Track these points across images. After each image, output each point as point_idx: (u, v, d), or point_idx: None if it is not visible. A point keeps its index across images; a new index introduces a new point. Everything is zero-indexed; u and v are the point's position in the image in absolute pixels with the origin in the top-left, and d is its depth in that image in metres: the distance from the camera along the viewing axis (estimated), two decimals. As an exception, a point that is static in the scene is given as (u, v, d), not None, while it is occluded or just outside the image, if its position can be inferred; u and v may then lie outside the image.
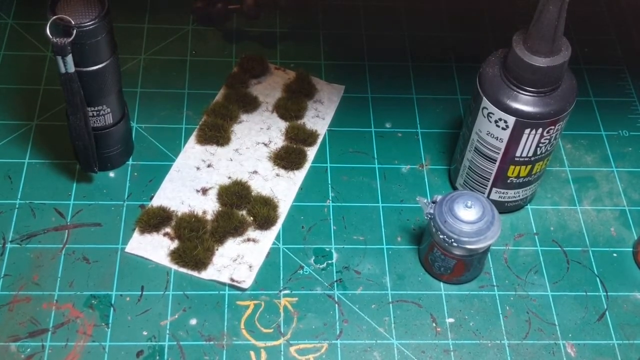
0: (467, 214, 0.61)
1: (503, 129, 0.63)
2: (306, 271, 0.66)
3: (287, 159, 0.71)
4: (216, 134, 0.72)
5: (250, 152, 0.72)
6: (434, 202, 0.63)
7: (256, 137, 0.73)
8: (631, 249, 0.69)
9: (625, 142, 0.77)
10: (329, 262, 0.66)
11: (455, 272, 0.64)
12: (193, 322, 0.62)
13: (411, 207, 0.70)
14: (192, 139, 0.73)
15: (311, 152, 0.73)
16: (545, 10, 0.58)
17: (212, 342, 0.61)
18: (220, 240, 0.66)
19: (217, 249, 0.66)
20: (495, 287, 0.66)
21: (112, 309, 0.62)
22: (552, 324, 0.64)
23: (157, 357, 0.60)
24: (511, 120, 0.62)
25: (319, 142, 0.74)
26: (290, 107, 0.75)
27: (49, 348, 0.60)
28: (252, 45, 0.81)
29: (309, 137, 0.73)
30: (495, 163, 0.65)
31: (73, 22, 0.58)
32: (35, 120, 0.73)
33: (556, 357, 0.62)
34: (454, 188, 0.71)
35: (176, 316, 0.62)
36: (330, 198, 0.70)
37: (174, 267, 0.65)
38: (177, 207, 0.68)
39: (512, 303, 0.65)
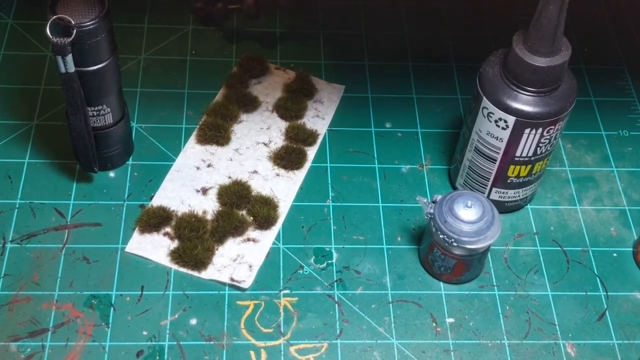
0: (467, 214, 0.61)
1: (503, 128, 0.63)
2: (306, 271, 0.66)
3: (287, 158, 0.71)
4: (216, 133, 0.72)
5: (250, 152, 0.72)
6: (434, 202, 0.63)
7: (256, 137, 0.73)
8: (631, 249, 0.69)
9: (625, 141, 0.77)
10: (329, 262, 0.66)
11: (455, 272, 0.64)
12: (193, 321, 0.62)
13: (411, 207, 0.70)
14: (192, 139, 0.73)
15: (311, 152, 0.73)
16: (545, 10, 0.58)
17: (212, 342, 0.61)
18: (220, 240, 0.66)
19: (217, 249, 0.66)
20: (496, 287, 0.66)
21: (112, 308, 0.62)
22: (552, 324, 0.64)
23: (157, 357, 0.60)
24: (511, 120, 0.62)
25: (319, 142, 0.74)
26: (290, 107, 0.75)
27: (49, 348, 0.60)
28: (252, 45, 0.81)
29: (309, 137, 0.73)
30: (495, 163, 0.65)
31: (73, 22, 0.58)
32: (35, 120, 0.73)
33: (556, 357, 0.62)
34: (454, 188, 0.71)
35: (176, 316, 0.62)
36: (330, 198, 0.70)
37: (174, 267, 0.65)
38: (177, 206, 0.68)
39: (512, 303, 0.65)
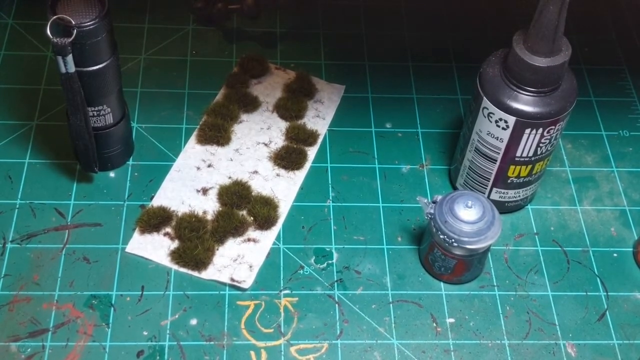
0: (468, 214, 0.61)
1: (503, 129, 0.63)
2: (306, 271, 0.66)
3: (287, 158, 0.71)
4: (216, 134, 0.72)
5: (250, 152, 0.72)
6: (434, 202, 0.63)
7: (256, 137, 0.73)
8: (631, 249, 0.69)
9: (625, 142, 0.77)
10: (329, 262, 0.66)
11: (456, 272, 0.64)
12: (193, 322, 0.62)
13: (411, 207, 0.70)
14: (193, 139, 0.73)
15: (311, 152, 0.73)
16: (545, 10, 0.58)
17: (212, 342, 0.61)
18: (221, 240, 0.66)
19: (217, 249, 0.66)
20: (496, 287, 0.66)
21: (112, 309, 0.62)
22: (553, 324, 0.64)
23: (158, 357, 0.60)
24: (511, 120, 0.62)
25: (319, 142, 0.74)
26: (291, 107, 0.75)
27: (49, 348, 0.60)
28: (252, 45, 0.81)
29: (309, 137, 0.73)
30: (495, 163, 0.65)
31: (73, 22, 0.58)
32: (35, 120, 0.73)
33: (556, 357, 0.62)
34: (454, 188, 0.71)
35: (176, 316, 0.62)
36: (331, 198, 0.70)
37: (174, 267, 0.65)
38: (178, 207, 0.68)
39: (512, 303, 0.65)
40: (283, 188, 0.70)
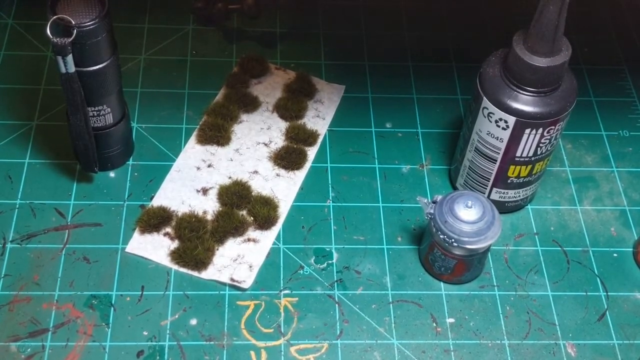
0: (468, 214, 0.61)
1: (503, 129, 0.63)
2: (306, 271, 0.66)
3: (287, 159, 0.71)
4: (216, 134, 0.72)
5: (250, 152, 0.72)
6: (434, 202, 0.63)
7: (256, 137, 0.73)
8: (631, 249, 0.69)
9: (625, 142, 0.77)
10: (329, 262, 0.66)
11: (456, 272, 0.64)
12: (193, 322, 0.62)
13: (411, 207, 0.70)
14: (193, 139, 0.73)
15: (311, 152, 0.73)
16: (545, 10, 0.58)
17: (212, 342, 0.61)
18: (221, 240, 0.66)
19: (217, 249, 0.66)
20: (496, 287, 0.66)
21: (112, 309, 0.62)
22: (553, 324, 0.64)
23: (158, 357, 0.60)
24: (511, 120, 0.62)
25: (319, 142, 0.74)
26: (291, 107, 0.75)
27: (49, 348, 0.60)
28: (252, 45, 0.81)
29: (309, 137, 0.73)
30: (495, 163, 0.65)
31: (73, 22, 0.58)
32: (35, 120, 0.73)
33: (556, 357, 0.62)
34: (454, 188, 0.71)
35: (176, 316, 0.62)
36: (331, 198, 0.70)
37: (174, 267, 0.65)
38: (178, 207, 0.68)
39: (512, 303, 0.65)
40: (283, 188, 0.70)
